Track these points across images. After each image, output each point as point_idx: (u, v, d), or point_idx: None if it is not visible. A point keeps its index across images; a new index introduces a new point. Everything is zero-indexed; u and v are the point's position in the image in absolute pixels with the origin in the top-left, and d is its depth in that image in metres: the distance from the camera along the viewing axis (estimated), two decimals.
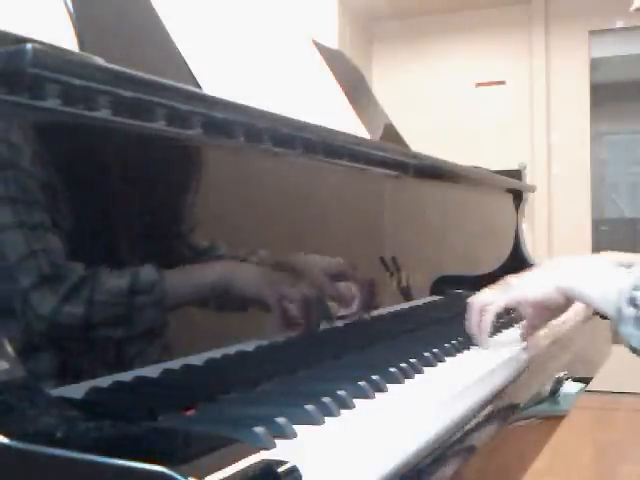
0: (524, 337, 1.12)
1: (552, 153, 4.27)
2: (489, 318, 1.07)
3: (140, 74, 0.69)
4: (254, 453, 0.48)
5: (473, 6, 4.33)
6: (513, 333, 1.21)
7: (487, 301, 1.08)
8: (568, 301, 1.05)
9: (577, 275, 1.03)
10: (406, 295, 1.33)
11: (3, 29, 0.64)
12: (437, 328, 1.24)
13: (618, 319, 0.94)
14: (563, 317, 1.29)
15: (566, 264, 1.06)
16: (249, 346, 0.87)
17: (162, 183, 0.79)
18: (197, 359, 0.78)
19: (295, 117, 0.95)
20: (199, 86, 1.02)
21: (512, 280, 1.10)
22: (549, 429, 1.36)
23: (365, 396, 0.75)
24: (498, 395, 0.89)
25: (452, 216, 1.60)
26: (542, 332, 1.17)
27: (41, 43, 0.60)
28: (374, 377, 0.78)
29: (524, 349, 1.08)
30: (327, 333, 1.02)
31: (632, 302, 0.93)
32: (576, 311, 1.40)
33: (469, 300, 1.10)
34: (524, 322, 1.13)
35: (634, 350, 0.95)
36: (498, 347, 1.08)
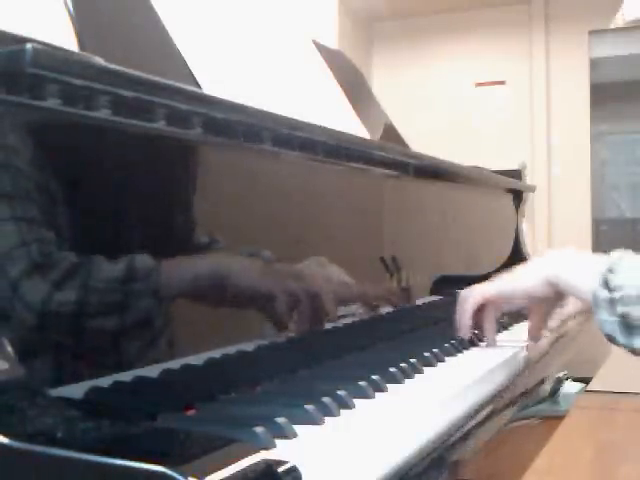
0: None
1: (552, 153, 4.26)
2: (471, 304, 1.07)
3: (140, 74, 0.69)
4: (254, 453, 0.48)
5: (473, 6, 4.32)
6: (510, 334, 1.21)
7: (477, 293, 1.08)
8: (558, 294, 1.03)
9: (561, 264, 1.02)
10: (406, 295, 1.33)
11: (3, 29, 0.64)
12: (437, 328, 1.24)
13: (595, 305, 0.89)
14: (563, 316, 1.29)
15: (553, 256, 1.06)
16: (249, 346, 0.87)
17: (162, 183, 0.79)
18: (197, 359, 0.78)
19: (295, 117, 0.95)
20: (199, 86, 1.02)
21: (503, 275, 1.11)
22: (549, 429, 1.36)
23: (365, 396, 0.75)
24: (498, 395, 0.89)
25: (452, 216, 1.60)
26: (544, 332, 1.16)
27: (41, 43, 0.60)
28: (374, 377, 0.78)
29: (524, 349, 1.08)
30: (327, 333, 1.02)
31: (605, 284, 0.88)
32: (576, 310, 1.39)
33: (461, 292, 1.10)
34: (529, 324, 1.13)
35: (610, 339, 0.90)
36: (497, 347, 1.08)
